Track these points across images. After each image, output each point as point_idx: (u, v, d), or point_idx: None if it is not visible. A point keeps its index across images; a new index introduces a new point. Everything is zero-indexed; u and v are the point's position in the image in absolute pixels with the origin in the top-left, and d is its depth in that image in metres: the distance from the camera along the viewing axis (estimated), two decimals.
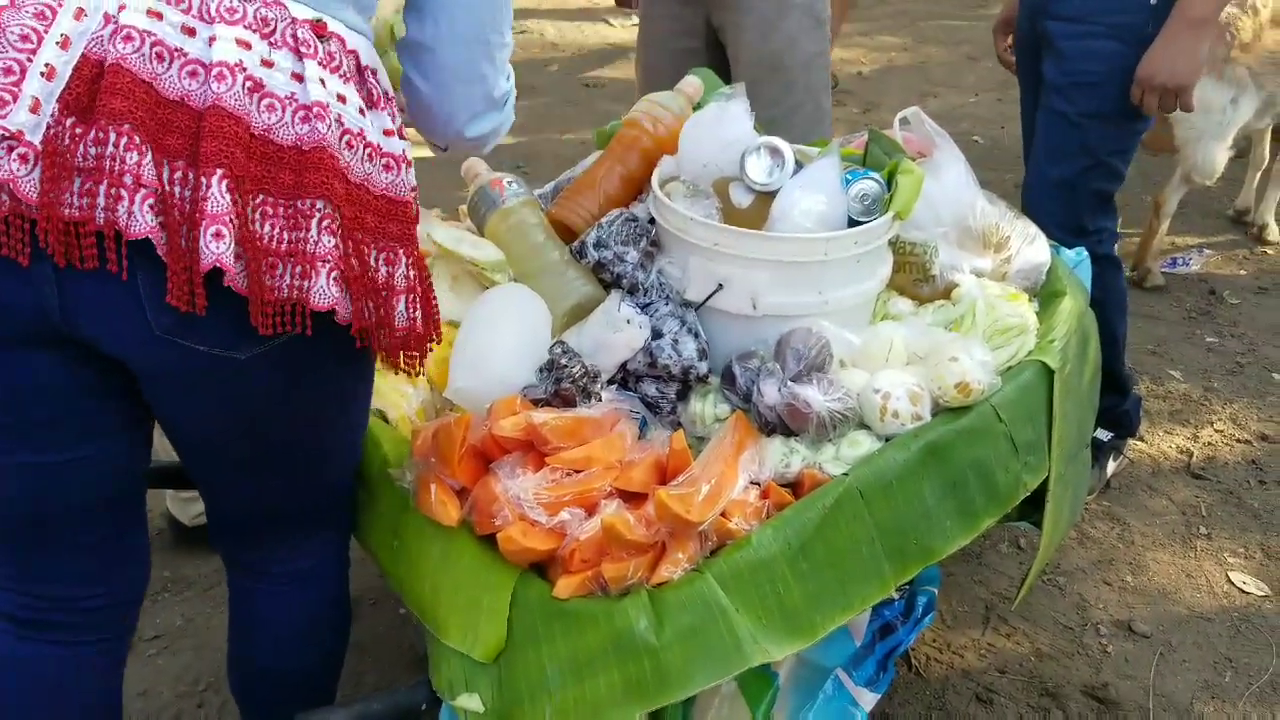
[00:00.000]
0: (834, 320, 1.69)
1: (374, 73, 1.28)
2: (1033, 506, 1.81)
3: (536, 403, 1.56)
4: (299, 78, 1.17)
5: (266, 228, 1.15)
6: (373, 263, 1.23)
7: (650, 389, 1.69)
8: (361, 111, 1.23)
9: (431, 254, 1.85)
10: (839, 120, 4.96)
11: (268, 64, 1.16)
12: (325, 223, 1.17)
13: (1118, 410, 2.62)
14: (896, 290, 1.88)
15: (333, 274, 1.18)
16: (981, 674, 2.20)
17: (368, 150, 1.23)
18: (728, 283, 1.68)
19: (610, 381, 1.67)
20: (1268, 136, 4.00)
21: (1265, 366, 3.30)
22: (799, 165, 1.79)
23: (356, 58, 1.25)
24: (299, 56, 1.18)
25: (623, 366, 1.68)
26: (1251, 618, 2.37)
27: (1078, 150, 2.36)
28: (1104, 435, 2.65)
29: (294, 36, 1.18)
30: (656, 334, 1.67)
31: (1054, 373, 1.72)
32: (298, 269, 1.15)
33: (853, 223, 1.74)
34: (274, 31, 1.18)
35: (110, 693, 1.51)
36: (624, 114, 2.05)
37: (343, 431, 1.48)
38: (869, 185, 1.76)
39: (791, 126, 2.44)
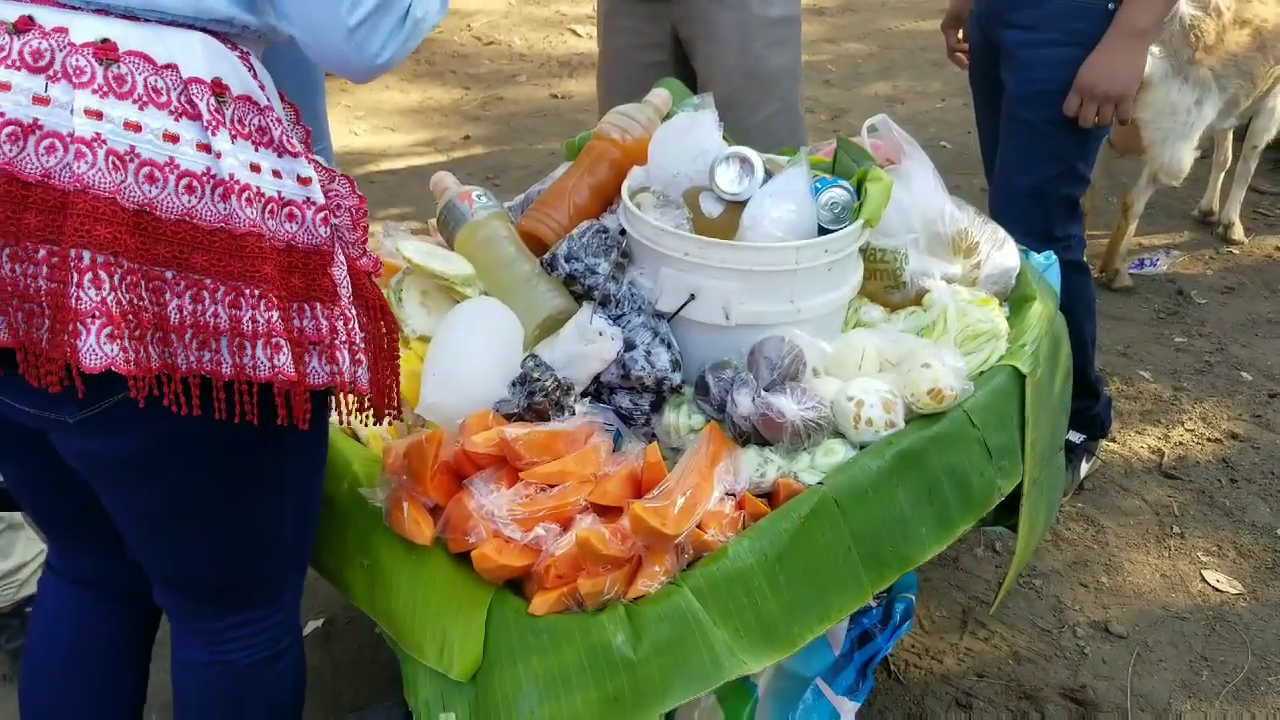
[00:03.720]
0: (806, 329, 1.69)
1: (215, 85, 1.14)
2: (1008, 511, 1.81)
3: (509, 417, 1.55)
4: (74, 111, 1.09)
5: (17, 272, 1.09)
6: (201, 306, 1.14)
7: (624, 401, 1.68)
8: (170, 137, 1.11)
9: (402, 269, 1.84)
10: (808, 128, 4.98)
11: (42, 101, 1.08)
12: (91, 275, 1.07)
13: (1089, 413, 2.64)
14: (868, 297, 1.89)
15: (105, 330, 1.08)
16: (960, 678, 2.20)
17: (185, 180, 1.12)
18: (700, 293, 1.68)
19: (583, 394, 1.66)
20: (1230, 137, 4.04)
21: (1233, 365, 3.32)
22: (768, 174, 1.79)
23: (176, 72, 1.12)
24: (73, 87, 1.09)
25: (596, 379, 1.67)
26: (1226, 616, 2.38)
27: (1047, 158, 2.36)
28: (1076, 437, 2.66)
29: (72, 67, 1.09)
30: (629, 345, 1.66)
31: (1025, 377, 1.72)
32: (68, 326, 1.08)
33: (823, 231, 1.74)
34: (50, 64, 1.09)
35: (140, 653, 1.65)
36: (593, 125, 2.05)
37: (243, 511, 1.35)
38: (838, 193, 1.76)
39: (768, 136, 2.44)
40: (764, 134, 2.45)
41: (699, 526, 1.42)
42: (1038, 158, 2.38)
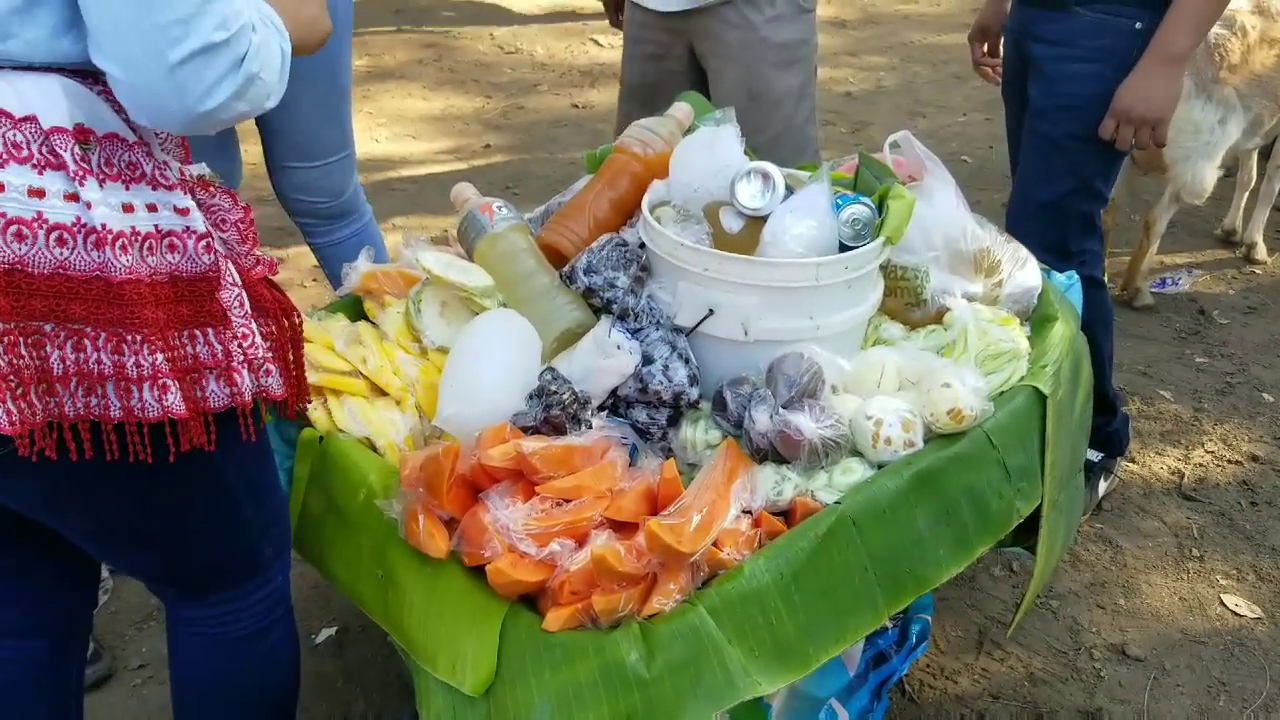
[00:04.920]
0: (825, 345, 1.68)
1: (77, 131, 1.12)
2: (1026, 532, 1.80)
3: (526, 430, 1.55)
4: None
5: None
6: (83, 355, 1.13)
7: (641, 415, 1.67)
8: (35, 192, 1.09)
9: (421, 280, 1.83)
10: (829, 141, 4.97)
11: None
12: None
13: (1107, 429, 2.62)
14: (888, 315, 1.88)
15: None
16: (975, 699, 2.18)
17: (56, 233, 1.10)
18: (718, 308, 1.67)
19: (601, 408, 1.66)
20: (1255, 156, 4.01)
21: (1255, 386, 3.30)
22: (789, 190, 1.78)
23: (36, 124, 1.10)
24: None
25: (613, 393, 1.67)
26: (1245, 640, 2.36)
27: (1064, 173, 2.35)
28: (1094, 456, 2.64)
29: None
30: (647, 360, 1.66)
31: (1046, 398, 1.71)
32: None
33: (844, 247, 1.73)
34: None
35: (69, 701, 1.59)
36: (613, 135, 2.04)
37: (185, 514, 1.37)
38: (860, 210, 1.75)
39: (772, 156, 2.43)
40: (766, 156, 2.45)
41: (715, 544, 1.41)
42: (1056, 172, 2.37)
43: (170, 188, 1.18)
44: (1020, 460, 1.67)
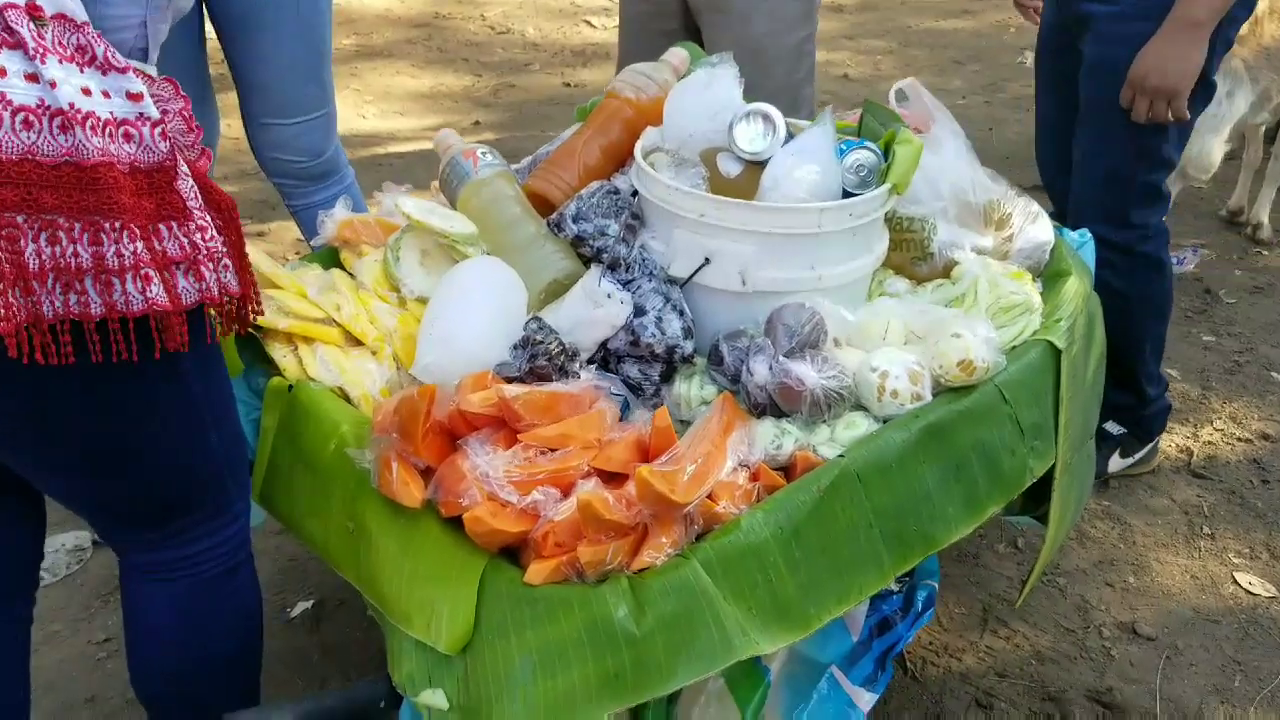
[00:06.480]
0: (828, 298, 1.59)
1: (30, 8, 1.07)
2: (1034, 501, 1.71)
3: (510, 380, 1.45)
4: None
5: None
6: (58, 248, 1.08)
7: (632, 370, 1.58)
8: None
9: (400, 227, 1.74)
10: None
11: None
12: None
13: (1135, 412, 2.53)
14: (893, 270, 1.79)
15: None
16: (980, 678, 2.09)
17: (21, 115, 1.05)
18: (715, 257, 1.58)
19: (590, 362, 1.57)
20: (1261, 134, 3.94)
21: (1263, 365, 3.21)
22: (790, 135, 1.69)
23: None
24: None
25: (603, 346, 1.58)
26: (1260, 619, 2.27)
27: (1123, 138, 2.23)
28: (1114, 429, 2.55)
29: None
30: (639, 311, 1.56)
31: (1061, 353, 1.62)
32: None
33: (847, 195, 1.64)
34: None
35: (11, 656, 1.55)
36: None
37: (146, 435, 1.31)
38: (865, 155, 1.67)
39: None
40: None
41: (710, 497, 1.32)
42: (1114, 137, 2.25)
43: (122, 70, 1.12)
44: (1034, 417, 1.58)
